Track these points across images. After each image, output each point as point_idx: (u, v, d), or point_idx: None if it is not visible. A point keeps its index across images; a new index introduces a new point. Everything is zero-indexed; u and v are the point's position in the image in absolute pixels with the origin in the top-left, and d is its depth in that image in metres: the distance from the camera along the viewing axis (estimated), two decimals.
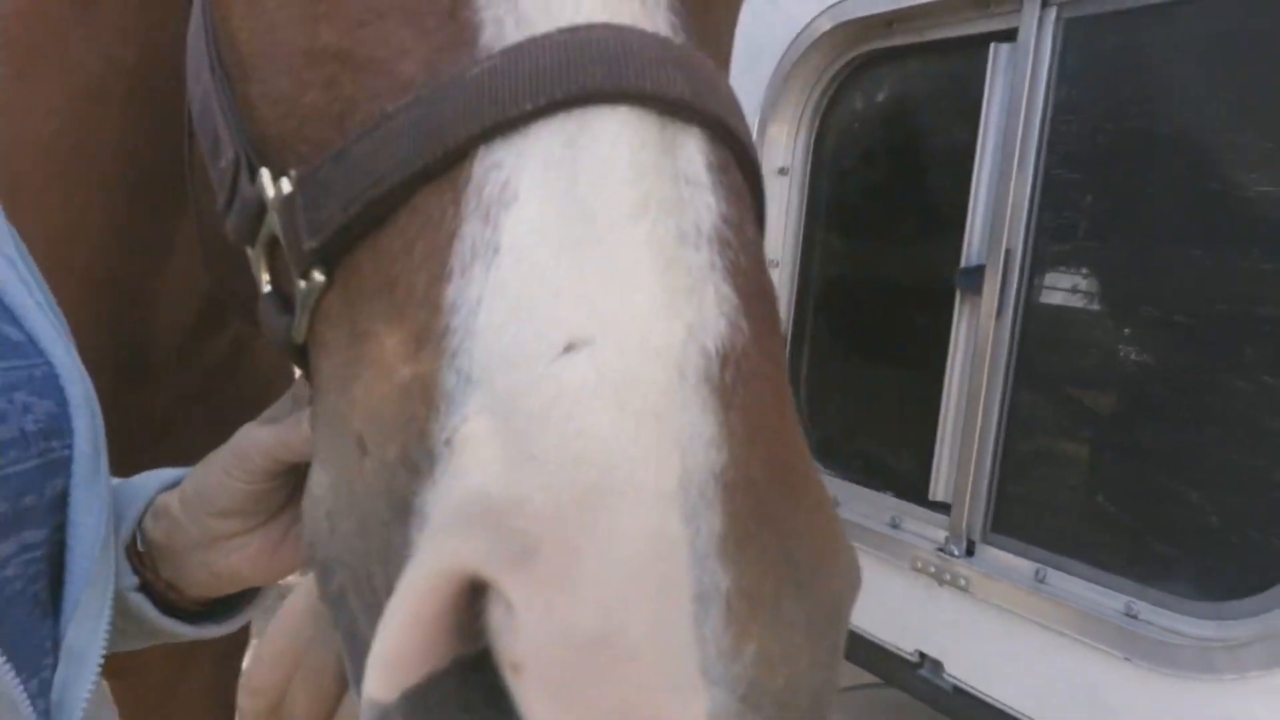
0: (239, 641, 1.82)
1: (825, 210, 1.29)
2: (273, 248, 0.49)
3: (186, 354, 1.15)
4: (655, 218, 0.36)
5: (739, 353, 0.35)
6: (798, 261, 1.31)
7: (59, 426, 0.57)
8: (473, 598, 0.33)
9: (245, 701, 0.51)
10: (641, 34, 0.40)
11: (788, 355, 1.32)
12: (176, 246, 1.05)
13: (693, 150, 0.39)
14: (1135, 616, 0.89)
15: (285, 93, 0.49)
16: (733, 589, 0.32)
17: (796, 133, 1.28)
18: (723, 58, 0.51)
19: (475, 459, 0.34)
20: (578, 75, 0.38)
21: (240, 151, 0.52)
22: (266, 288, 0.50)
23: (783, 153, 1.30)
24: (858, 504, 1.20)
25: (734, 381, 0.35)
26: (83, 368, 0.62)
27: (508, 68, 0.39)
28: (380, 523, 0.38)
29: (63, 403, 0.58)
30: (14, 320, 0.60)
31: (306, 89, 0.48)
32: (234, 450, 0.60)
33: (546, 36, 0.39)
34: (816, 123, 1.28)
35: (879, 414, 1.25)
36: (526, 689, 0.32)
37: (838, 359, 1.31)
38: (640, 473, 0.32)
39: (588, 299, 0.35)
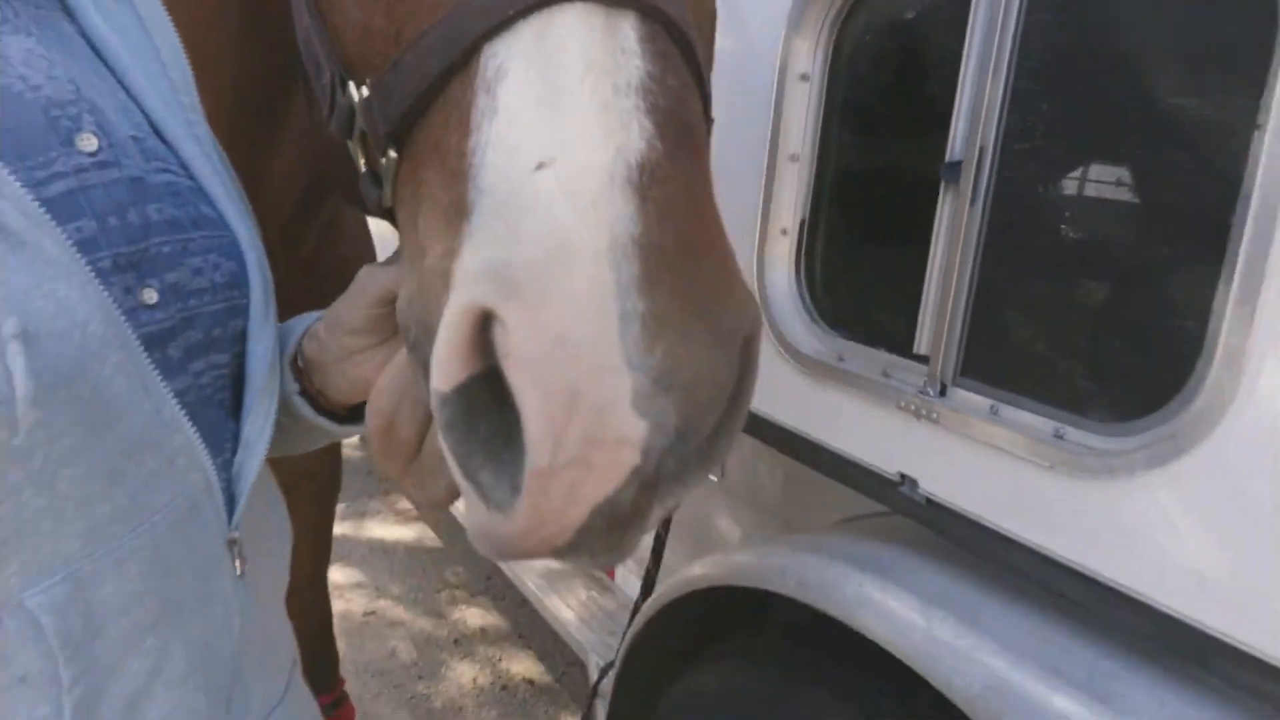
0: (329, 497, 2.15)
1: (840, 112, 1.49)
2: (364, 139, 0.68)
3: (289, 237, 1.43)
4: (596, 78, 0.53)
5: (653, 164, 0.52)
6: (815, 156, 1.53)
7: (239, 281, 0.84)
8: (484, 326, 0.52)
9: (370, 421, 0.73)
10: None
11: (804, 233, 1.56)
12: (281, 142, 1.32)
13: (628, 29, 0.56)
14: (1061, 437, 1.15)
15: (358, 22, 0.67)
16: (647, 312, 0.50)
17: (816, 44, 1.48)
18: None
19: (483, 239, 0.53)
20: None
21: (333, 71, 0.71)
22: (363, 169, 0.71)
23: (804, 61, 1.50)
24: (857, 359, 1.45)
25: (649, 182, 0.51)
26: (257, 239, 0.87)
27: None
28: (435, 293, 0.56)
29: (242, 264, 0.85)
30: (209, 201, 0.85)
31: (371, 17, 0.65)
32: (358, 285, 0.86)
33: None
34: (834, 35, 1.48)
35: (877, 284, 1.49)
36: (511, 368, 0.51)
37: (846, 237, 1.54)
38: (583, 240, 0.50)
39: (552, 137, 0.52)
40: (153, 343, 0.71)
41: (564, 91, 0.53)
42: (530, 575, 2.79)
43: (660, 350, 0.50)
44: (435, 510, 0.64)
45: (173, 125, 0.82)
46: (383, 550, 4.16)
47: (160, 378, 0.70)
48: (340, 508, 4.38)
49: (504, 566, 2.92)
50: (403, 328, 0.64)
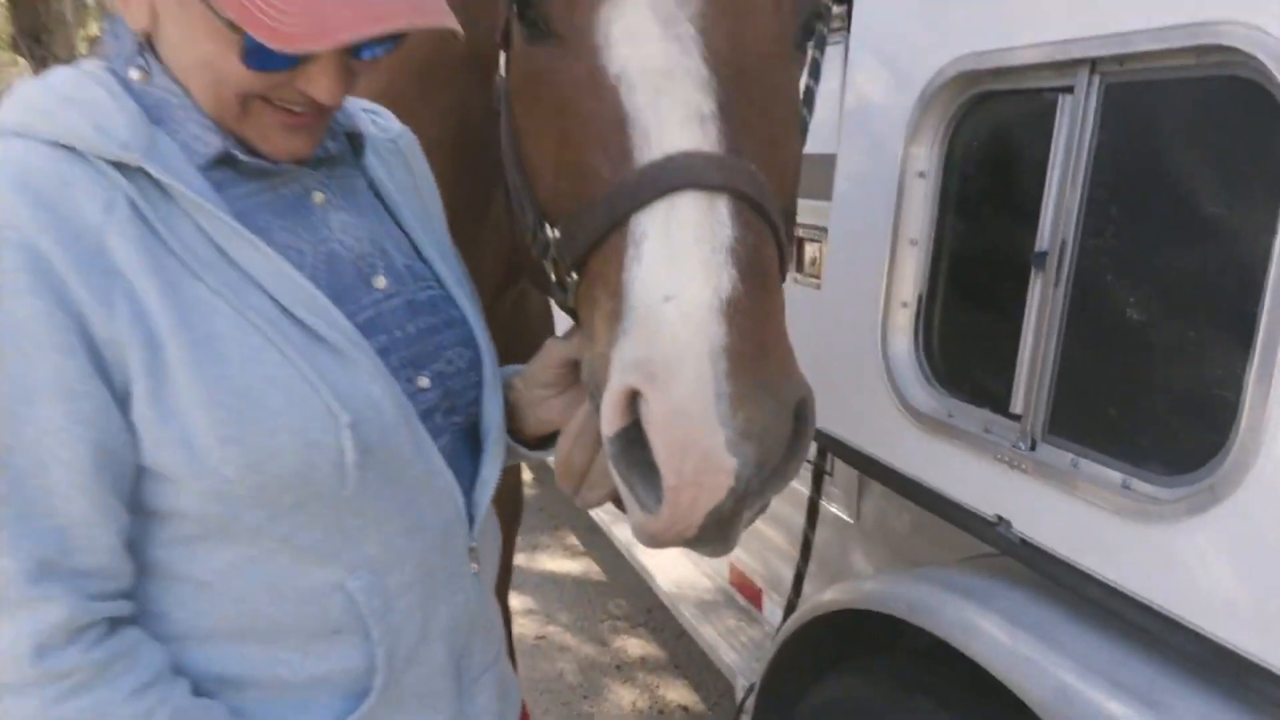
0: (513, 523, 2.54)
1: (951, 204, 1.75)
2: (555, 262, 1.03)
3: (491, 304, 1.81)
4: (701, 242, 0.84)
5: (735, 299, 0.83)
6: (931, 240, 1.79)
7: (476, 363, 1.17)
8: (633, 399, 0.84)
9: (558, 450, 1.08)
10: (703, 154, 0.87)
11: (921, 307, 1.82)
12: (487, 240, 1.68)
13: (721, 208, 0.86)
14: (1128, 488, 1.36)
15: (552, 185, 1.01)
16: (732, 392, 0.80)
17: (931, 148, 1.75)
18: (774, 138, 0.97)
19: (630, 342, 0.84)
20: (672, 179, 0.86)
21: (535, 215, 1.07)
22: (553, 279, 1.04)
23: (922, 161, 1.77)
24: (963, 416, 1.69)
25: (733, 311, 0.82)
26: (485, 327, 1.22)
27: (644, 176, 0.87)
28: (602, 369, 0.88)
29: (477, 351, 1.18)
30: (455, 305, 1.18)
31: (560, 183, 1.00)
32: (545, 351, 1.18)
33: (663, 158, 0.87)
34: (946, 140, 1.74)
35: (981, 351, 1.72)
36: (649, 428, 0.83)
37: (956, 311, 1.78)
38: (692, 349, 0.80)
39: (674, 281, 0.83)
40: (425, 415, 1.06)
41: (682, 251, 0.85)
42: (686, 607, 3.08)
43: (741, 416, 0.82)
44: (596, 506, 0.92)
45: (429, 247, 1.18)
46: (553, 581, 4.55)
47: (430, 439, 1.05)
48: (517, 540, 4.82)
49: (664, 600, 3.21)
50: (586, 387, 0.99)
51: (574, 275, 0.97)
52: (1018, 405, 1.56)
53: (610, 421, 0.86)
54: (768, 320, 0.86)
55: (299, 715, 1.00)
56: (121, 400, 0.86)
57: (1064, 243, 1.47)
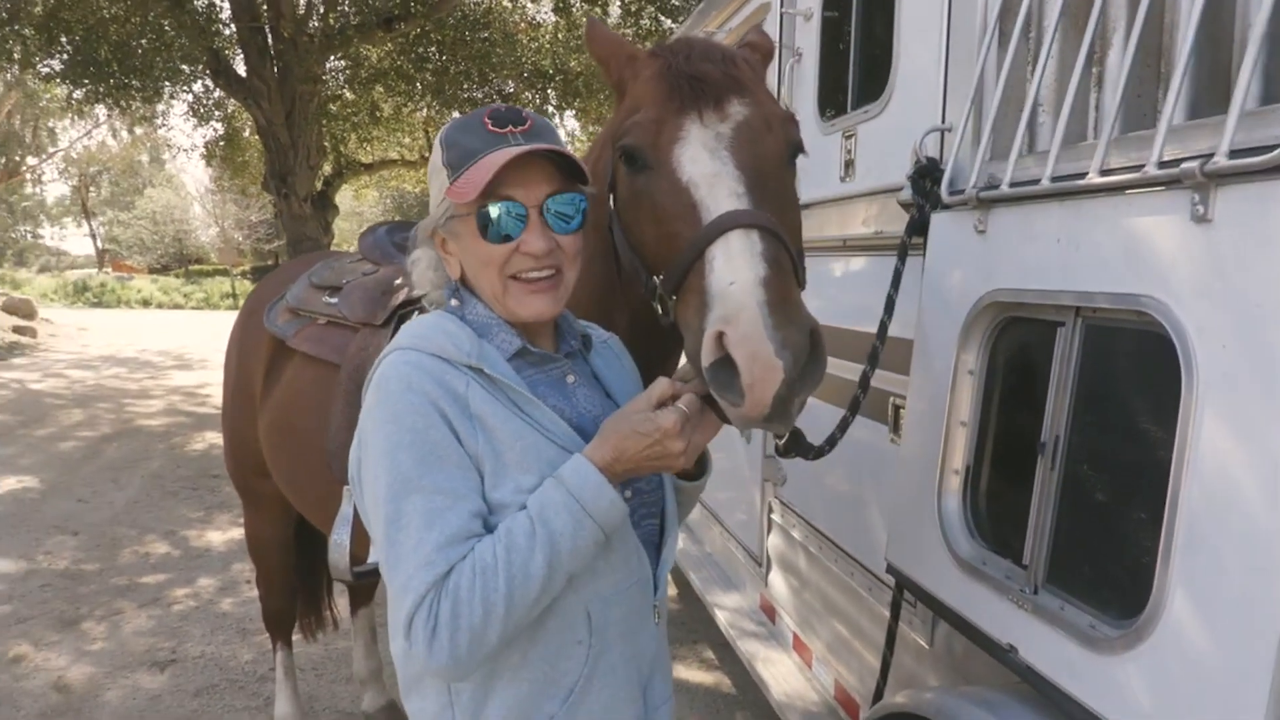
0: None
1: (993, 396, 2.26)
2: (660, 298, 1.65)
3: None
4: (745, 253, 1.48)
5: (769, 278, 1.44)
6: (977, 423, 2.29)
7: (656, 481, 1.78)
8: (718, 340, 1.43)
9: (671, 417, 1.47)
10: (739, 210, 1.53)
11: (968, 475, 2.31)
12: (616, 309, 2.29)
13: (754, 234, 1.50)
14: (1094, 627, 1.79)
15: (653, 251, 1.66)
16: (774, 324, 1.39)
17: (978, 351, 2.28)
18: (781, 207, 1.64)
19: (714, 313, 1.46)
20: (724, 224, 1.51)
21: (646, 273, 1.75)
22: (658, 308, 1.69)
23: (971, 361, 2.29)
24: (991, 563, 2.15)
25: (767, 285, 1.44)
26: None
27: (709, 227, 1.53)
28: (698, 340, 1.47)
29: (659, 474, 1.81)
30: None
31: (659, 248, 1.64)
32: (654, 385, 1.56)
33: (717, 216, 1.54)
34: (989, 347, 2.26)
35: (1007, 513, 2.19)
36: (731, 348, 1.40)
37: (992, 480, 2.26)
38: (749, 307, 1.42)
39: (734, 274, 1.46)
40: (630, 516, 1.66)
41: (736, 258, 1.48)
42: (794, 716, 3.51)
43: (780, 335, 1.39)
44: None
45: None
46: (687, 689, 5.01)
47: (634, 531, 1.68)
48: None
49: (775, 710, 3.64)
50: (689, 356, 1.60)
51: (674, 298, 1.61)
52: (1027, 558, 2.03)
53: (708, 355, 1.44)
54: (787, 288, 1.48)
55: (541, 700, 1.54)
56: (481, 475, 1.47)
57: (1057, 437, 1.96)
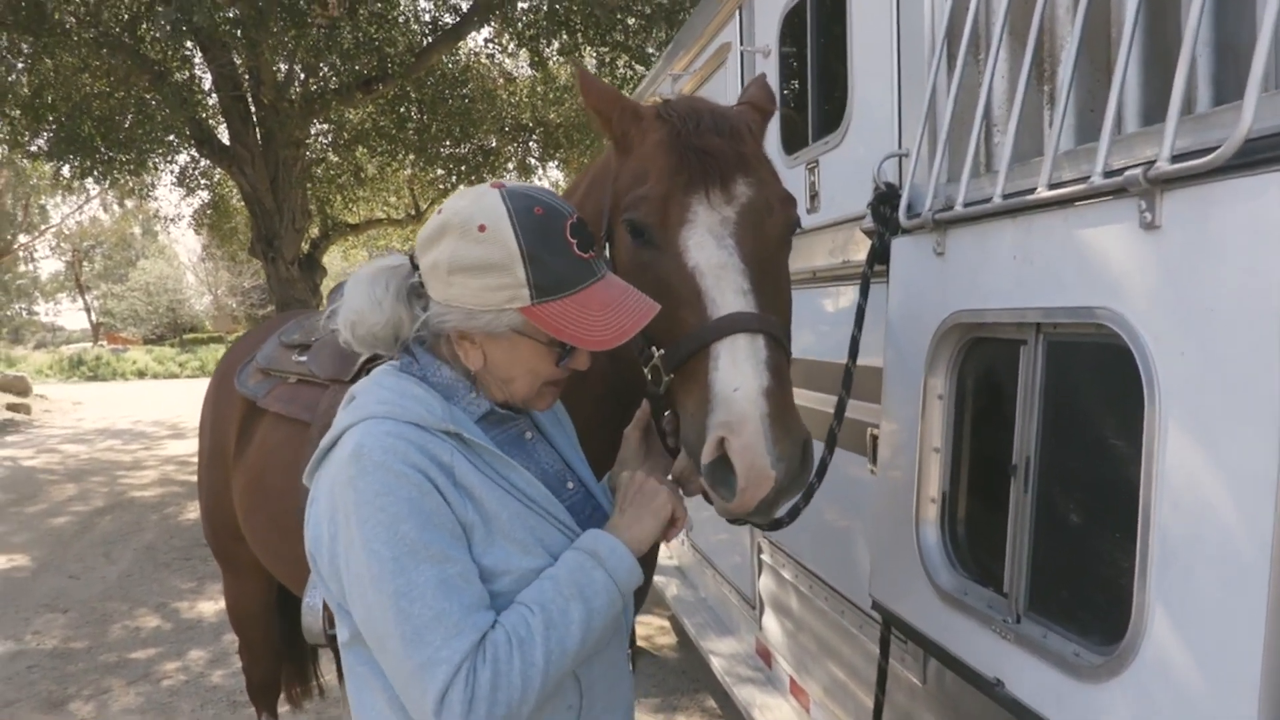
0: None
1: (964, 421, 2.21)
2: (656, 371, 1.70)
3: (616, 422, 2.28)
4: (751, 360, 1.57)
5: (770, 388, 1.55)
6: (950, 449, 2.23)
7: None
8: (719, 443, 1.53)
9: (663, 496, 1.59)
10: (750, 314, 1.61)
11: (945, 502, 2.25)
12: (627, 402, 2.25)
13: (760, 342, 1.59)
14: (1078, 655, 1.73)
15: (659, 329, 1.65)
16: (773, 439, 1.51)
17: (946, 375, 2.23)
18: (779, 292, 1.74)
19: (717, 414, 1.56)
20: (733, 326, 1.60)
21: (643, 342, 1.76)
22: (650, 379, 1.74)
23: (940, 386, 2.25)
24: (973, 593, 2.08)
25: (769, 396, 1.54)
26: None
27: (717, 324, 1.61)
28: (698, 434, 1.59)
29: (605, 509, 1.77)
30: (597, 503, 1.79)
31: (664, 327, 1.65)
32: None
33: (726, 315, 1.61)
34: (956, 371, 2.22)
35: (985, 541, 2.13)
36: (732, 454, 1.51)
37: (969, 506, 2.20)
38: (752, 417, 1.52)
39: (738, 379, 1.55)
40: None
41: (741, 364, 1.57)
42: None
43: (777, 448, 1.50)
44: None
45: (577, 464, 1.81)
46: None
47: None
48: (654, 702, 5.23)
49: None
50: (685, 440, 1.66)
51: (669, 378, 1.68)
52: (1007, 586, 1.96)
53: (709, 454, 1.54)
54: (786, 399, 1.58)
55: None
56: (469, 544, 1.42)
57: (1028, 459, 1.90)
